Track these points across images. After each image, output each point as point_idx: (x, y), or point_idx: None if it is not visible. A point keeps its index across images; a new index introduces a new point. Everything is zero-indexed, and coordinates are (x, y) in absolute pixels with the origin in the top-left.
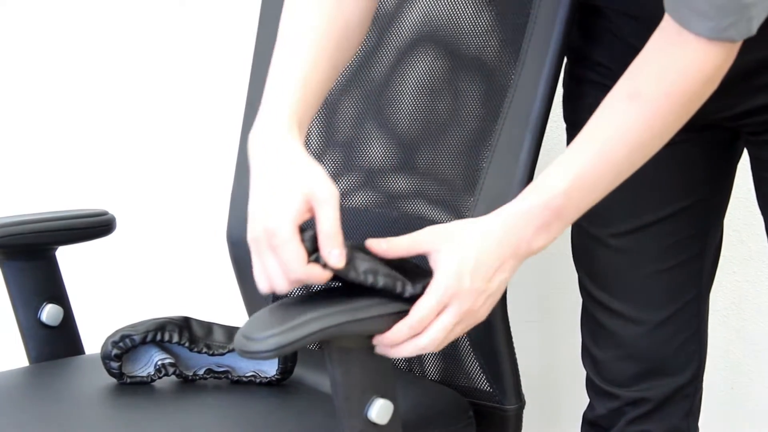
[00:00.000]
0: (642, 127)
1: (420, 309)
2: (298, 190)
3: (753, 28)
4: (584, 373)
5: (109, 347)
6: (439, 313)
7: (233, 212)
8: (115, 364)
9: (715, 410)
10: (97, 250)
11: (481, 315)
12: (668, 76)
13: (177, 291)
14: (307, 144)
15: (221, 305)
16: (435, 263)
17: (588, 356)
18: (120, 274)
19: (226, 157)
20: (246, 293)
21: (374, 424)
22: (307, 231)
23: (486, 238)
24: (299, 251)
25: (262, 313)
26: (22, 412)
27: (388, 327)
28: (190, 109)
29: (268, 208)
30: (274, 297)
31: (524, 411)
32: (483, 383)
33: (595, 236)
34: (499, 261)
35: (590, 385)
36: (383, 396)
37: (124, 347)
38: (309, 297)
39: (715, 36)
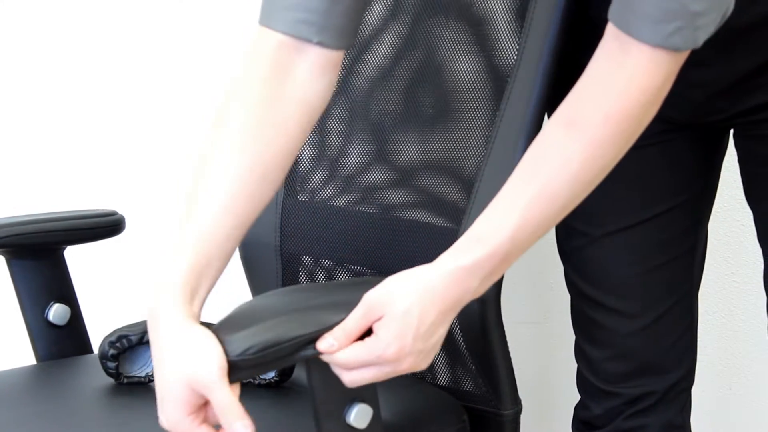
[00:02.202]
0: (582, 157)
1: (350, 358)
2: (183, 382)
3: (699, 40)
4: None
5: (106, 347)
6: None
7: None
8: (112, 364)
9: (713, 411)
10: (107, 250)
11: (421, 368)
12: (608, 97)
13: None
14: (315, 151)
15: (231, 305)
16: (377, 328)
17: (582, 355)
18: (129, 274)
19: None
20: (256, 292)
21: (353, 428)
22: None
23: (428, 296)
24: None
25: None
26: (22, 409)
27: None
28: (198, 110)
29: (164, 405)
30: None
31: (521, 415)
32: (478, 387)
33: (586, 234)
34: (441, 317)
35: (584, 385)
36: (362, 400)
37: (121, 347)
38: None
39: (659, 42)
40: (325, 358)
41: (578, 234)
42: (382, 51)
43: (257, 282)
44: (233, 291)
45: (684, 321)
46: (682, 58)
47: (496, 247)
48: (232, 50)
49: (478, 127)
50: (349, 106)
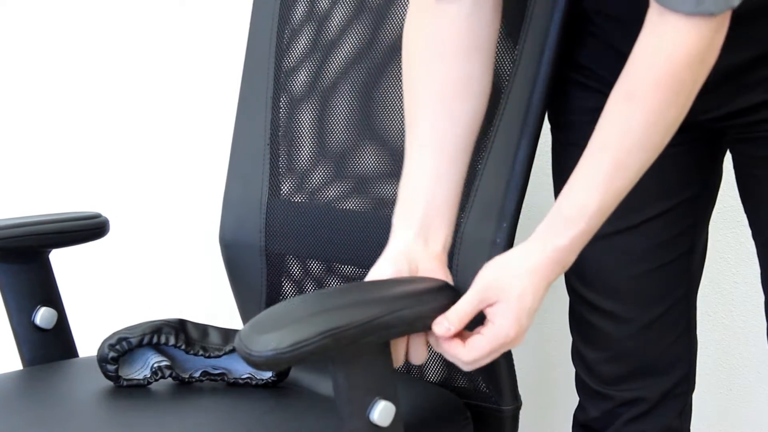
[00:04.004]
0: (644, 125)
1: (476, 356)
2: None
3: (733, 1)
4: None
5: (106, 350)
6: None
7: (226, 214)
8: (111, 367)
9: (713, 412)
10: (91, 252)
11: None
12: (655, 65)
13: (170, 293)
14: (300, 150)
15: (215, 307)
16: (493, 315)
17: (579, 357)
18: (113, 277)
19: (220, 158)
20: (239, 294)
21: (376, 426)
22: None
23: (537, 278)
24: None
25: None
26: (18, 415)
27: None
28: (182, 111)
29: None
30: (267, 303)
31: (520, 412)
32: (480, 384)
33: None
34: (543, 293)
35: (582, 387)
36: (385, 398)
37: (120, 350)
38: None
39: (692, 10)
40: (444, 352)
41: None
42: (382, 51)
43: (240, 282)
44: (225, 292)
45: (681, 324)
46: (723, 19)
47: (586, 223)
48: (221, 53)
49: None
50: (336, 103)
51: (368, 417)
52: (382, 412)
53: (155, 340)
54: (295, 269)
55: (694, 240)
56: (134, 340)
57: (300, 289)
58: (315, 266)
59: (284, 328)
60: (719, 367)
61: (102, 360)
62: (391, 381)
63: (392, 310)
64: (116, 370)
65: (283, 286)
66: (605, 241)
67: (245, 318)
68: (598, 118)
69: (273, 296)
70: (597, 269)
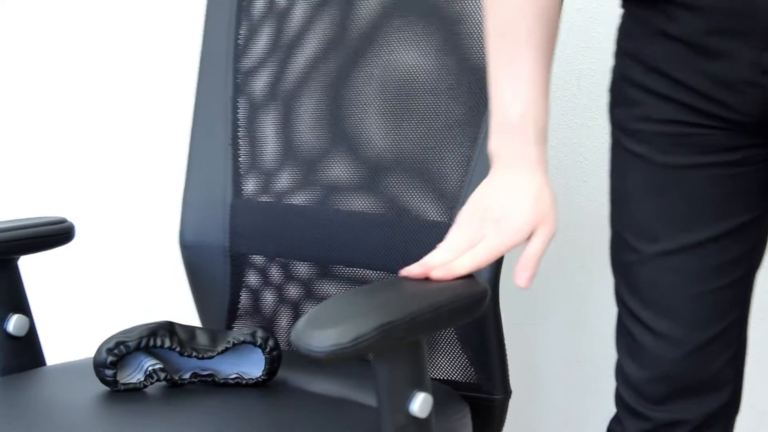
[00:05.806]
0: None
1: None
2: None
3: None
4: (571, 373)
5: (104, 354)
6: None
7: (185, 216)
8: (110, 372)
9: None
10: (54, 258)
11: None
12: None
13: (138, 296)
14: (264, 150)
15: (181, 309)
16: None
17: (622, 373)
18: (79, 282)
19: (180, 160)
20: (199, 295)
21: (415, 418)
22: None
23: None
24: None
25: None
26: (14, 422)
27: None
28: (141, 115)
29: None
30: (230, 304)
31: (514, 409)
32: (472, 376)
33: (639, 251)
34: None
35: (621, 402)
36: (423, 389)
37: (118, 354)
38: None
39: None
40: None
41: (630, 249)
42: (342, 40)
43: (202, 284)
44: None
45: (731, 347)
46: None
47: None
48: (179, 58)
49: (471, 118)
50: (301, 101)
51: (408, 409)
52: (422, 403)
53: (152, 343)
54: (261, 269)
55: (752, 264)
56: (132, 344)
57: (266, 289)
58: (282, 266)
59: (343, 324)
60: None
61: (100, 365)
62: (426, 372)
63: (437, 305)
64: (114, 375)
65: (248, 286)
66: (659, 260)
67: (204, 319)
68: (669, 130)
69: (236, 296)
70: (651, 288)
